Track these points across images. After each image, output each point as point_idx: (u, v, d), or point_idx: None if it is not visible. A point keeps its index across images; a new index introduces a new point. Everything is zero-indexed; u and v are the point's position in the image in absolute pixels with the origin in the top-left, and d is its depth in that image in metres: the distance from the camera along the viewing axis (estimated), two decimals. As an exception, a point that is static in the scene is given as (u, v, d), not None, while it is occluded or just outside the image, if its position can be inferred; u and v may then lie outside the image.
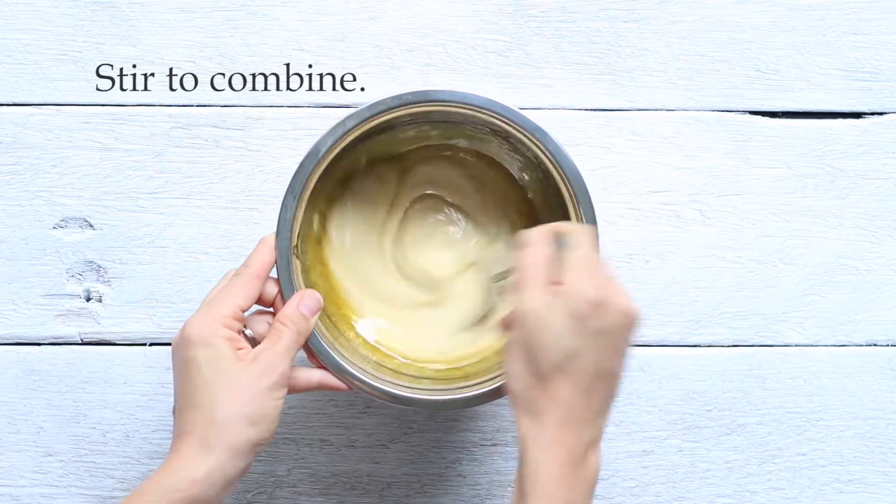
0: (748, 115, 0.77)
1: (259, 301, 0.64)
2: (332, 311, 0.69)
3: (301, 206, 0.65)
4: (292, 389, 0.64)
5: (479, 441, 0.77)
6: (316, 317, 0.64)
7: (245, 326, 0.63)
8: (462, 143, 0.71)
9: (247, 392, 0.60)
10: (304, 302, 0.64)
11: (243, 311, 0.63)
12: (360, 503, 0.77)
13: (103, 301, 0.76)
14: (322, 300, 0.65)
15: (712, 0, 0.77)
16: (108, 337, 0.77)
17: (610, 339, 0.56)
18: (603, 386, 0.57)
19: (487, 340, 0.70)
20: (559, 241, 0.59)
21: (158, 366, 0.76)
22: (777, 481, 0.77)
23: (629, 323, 0.57)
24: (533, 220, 0.71)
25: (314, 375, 0.65)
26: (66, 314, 0.76)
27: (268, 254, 0.64)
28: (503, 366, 0.60)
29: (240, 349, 0.61)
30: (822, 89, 0.77)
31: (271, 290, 0.65)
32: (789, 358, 0.77)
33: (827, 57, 0.77)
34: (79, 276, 0.77)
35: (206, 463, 0.59)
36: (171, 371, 0.63)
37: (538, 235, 0.60)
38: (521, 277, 0.58)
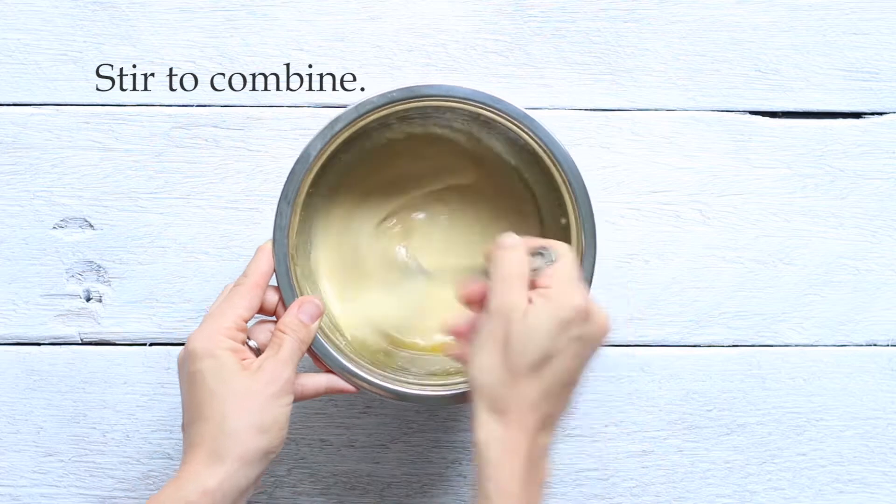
0: (748, 115, 0.77)
1: (261, 311, 0.64)
2: (335, 313, 0.70)
3: (296, 211, 0.65)
4: (302, 396, 0.64)
5: (479, 441, 0.77)
6: (317, 322, 0.64)
7: (248, 337, 0.63)
8: (455, 137, 0.71)
9: (254, 401, 0.60)
10: (303, 309, 0.64)
11: (245, 322, 0.63)
12: (360, 503, 0.77)
13: (103, 301, 0.76)
14: (322, 305, 0.65)
15: (712, 0, 0.77)
16: (108, 337, 0.77)
17: (584, 348, 0.58)
18: (567, 394, 0.58)
19: None
20: (542, 252, 0.60)
21: (158, 366, 0.76)
22: (777, 481, 0.77)
23: (603, 336, 0.59)
24: (528, 208, 0.71)
25: (321, 380, 0.65)
26: (66, 314, 0.76)
27: (266, 262, 0.64)
28: (469, 357, 0.59)
29: (244, 360, 0.61)
30: (822, 89, 0.77)
31: (272, 298, 0.65)
32: (789, 358, 0.77)
33: (827, 57, 0.77)
34: (79, 276, 0.77)
35: (217, 474, 0.59)
36: (178, 373, 0.63)
37: (518, 241, 0.60)
38: (501, 274, 0.58)
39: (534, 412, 0.57)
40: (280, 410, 0.61)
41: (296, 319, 0.63)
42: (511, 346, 0.57)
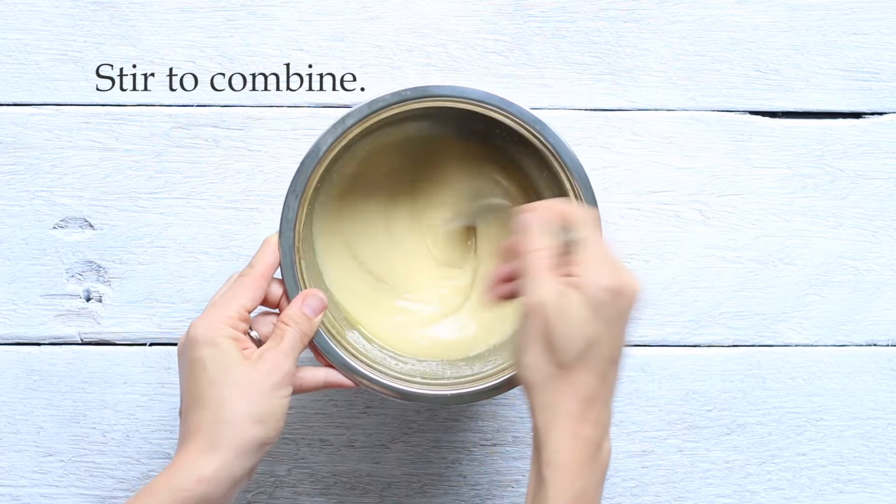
0: (748, 115, 0.77)
1: (264, 303, 0.65)
2: (338, 308, 0.69)
3: (303, 205, 0.65)
4: (300, 389, 0.64)
5: (479, 441, 0.77)
6: (320, 316, 0.65)
7: (250, 328, 0.63)
8: (465, 138, 0.71)
9: (253, 391, 0.60)
10: (306, 302, 0.64)
11: (248, 312, 0.63)
12: (360, 503, 0.77)
13: (103, 301, 0.76)
14: (326, 299, 0.65)
15: (712, 0, 0.77)
16: (108, 337, 0.77)
17: (623, 324, 0.58)
18: (615, 369, 0.59)
19: (499, 330, 0.70)
20: (563, 229, 0.60)
21: (158, 366, 0.76)
22: (777, 481, 0.77)
23: (635, 305, 0.59)
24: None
25: (320, 374, 0.65)
26: (66, 314, 0.76)
27: (272, 254, 0.64)
28: (514, 357, 0.60)
29: (245, 349, 0.62)
30: (822, 89, 0.77)
31: (276, 291, 0.65)
32: (789, 358, 0.77)
33: (827, 57, 0.77)
34: (79, 276, 0.77)
35: (212, 462, 0.59)
36: (177, 373, 0.63)
37: (539, 223, 0.60)
38: (529, 267, 0.59)
39: (588, 396, 0.57)
40: (278, 402, 0.61)
41: (299, 312, 0.64)
42: (553, 343, 0.57)
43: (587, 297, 0.57)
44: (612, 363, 0.58)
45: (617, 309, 0.57)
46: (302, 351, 0.63)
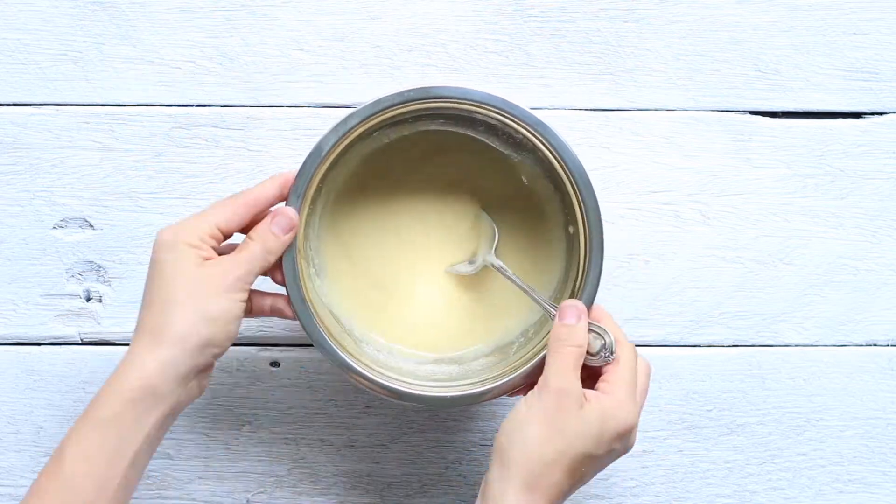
0: (748, 115, 0.77)
1: (268, 273, 0.65)
2: (339, 307, 0.70)
3: (305, 205, 0.65)
4: (249, 311, 0.65)
5: (479, 441, 0.77)
6: (289, 235, 0.64)
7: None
8: (467, 139, 0.71)
9: (202, 289, 0.61)
10: (275, 220, 0.64)
11: (222, 233, 0.63)
12: (359, 503, 0.77)
13: (103, 301, 0.77)
14: (296, 219, 0.64)
15: (712, 0, 0.77)
16: (108, 337, 0.77)
17: (613, 456, 0.62)
18: (582, 485, 0.62)
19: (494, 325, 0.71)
20: (599, 332, 0.63)
21: (158, 366, 0.76)
22: (777, 481, 0.77)
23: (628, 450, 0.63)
24: (536, 214, 0.71)
25: (266, 301, 0.66)
26: (66, 314, 0.76)
27: (270, 188, 0.65)
28: (511, 426, 0.62)
29: (207, 259, 0.62)
30: (822, 89, 0.77)
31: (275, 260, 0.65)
32: (789, 358, 0.77)
33: (827, 57, 0.77)
34: (79, 276, 0.77)
35: (157, 357, 0.59)
36: None
37: (583, 315, 0.63)
38: (563, 354, 0.61)
39: (557, 497, 0.60)
40: (227, 304, 0.61)
41: (266, 228, 0.64)
42: (565, 434, 0.59)
43: (609, 422, 0.60)
44: (584, 480, 0.62)
45: (621, 445, 0.62)
46: (264, 266, 0.63)
